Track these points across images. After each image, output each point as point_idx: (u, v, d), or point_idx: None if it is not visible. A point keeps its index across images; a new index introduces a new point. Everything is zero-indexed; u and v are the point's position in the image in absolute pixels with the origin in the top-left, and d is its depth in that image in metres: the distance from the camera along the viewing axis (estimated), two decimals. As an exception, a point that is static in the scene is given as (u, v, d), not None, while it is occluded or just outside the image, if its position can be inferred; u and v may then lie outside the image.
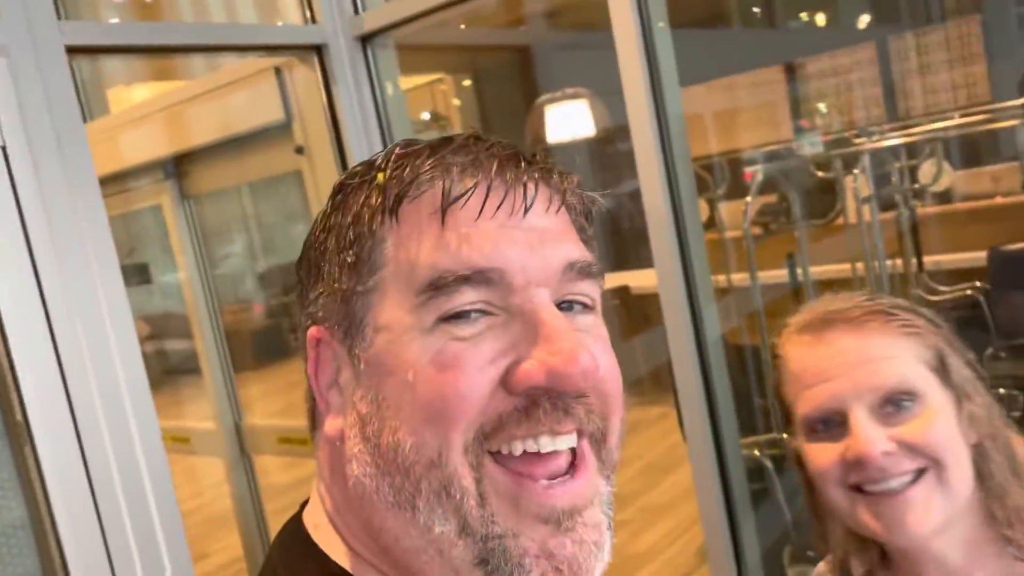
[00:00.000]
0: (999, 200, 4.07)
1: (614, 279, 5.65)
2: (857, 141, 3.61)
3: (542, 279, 0.54)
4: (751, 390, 3.33)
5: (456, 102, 6.55)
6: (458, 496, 0.51)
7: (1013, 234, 3.53)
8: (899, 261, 3.78)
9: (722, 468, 1.88)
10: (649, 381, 5.24)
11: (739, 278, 4.02)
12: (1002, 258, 3.40)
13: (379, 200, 0.55)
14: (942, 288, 3.54)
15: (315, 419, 0.61)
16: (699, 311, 1.95)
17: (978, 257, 3.55)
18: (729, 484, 1.89)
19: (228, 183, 2.72)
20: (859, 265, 3.57)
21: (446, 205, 0.53)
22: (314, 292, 0.58)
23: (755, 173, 4.65)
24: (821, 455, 0.86)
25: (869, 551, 0.92)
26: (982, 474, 0.85)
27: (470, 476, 0.51)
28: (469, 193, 0.53)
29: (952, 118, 3.98)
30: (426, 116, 6.04)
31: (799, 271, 3.43)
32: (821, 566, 0.99)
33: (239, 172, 2.57)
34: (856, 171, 3.50)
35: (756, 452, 2.73)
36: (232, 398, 2.78)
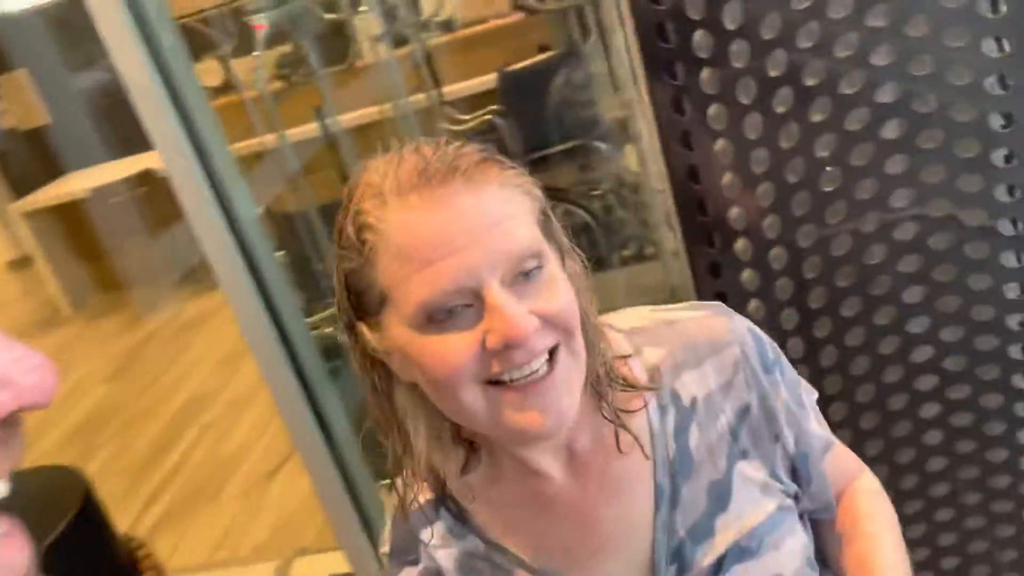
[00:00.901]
0: (495, 23, 4.29)
1: (135, 164, 5.03)
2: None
3: None
4: (312, 261, 3.19)
5: None
6: None
7: (513, 54, 3.76)
8: (422, 96, 3.83)
9: (291, 355, 1.72)
10: (203, 268, 4.85)
11: (273, 139, 3.77)
12: (507, 79, 3.62)
13: None
14: (463, 117, 3.67)
15: None
16: (223, 187, 1.70)
17: (489, 80, 3.73)
18: (303, 368, 1.75)
19: None
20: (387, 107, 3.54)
21: None
22: None
23: (262, 23, 4.30)
24: (449, 349, 0.67)
25: (461, 451, 0.80)
26: (582, 332, 0.74)
27: None
28: None
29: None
30: None
31: (328, 122, 3.29)
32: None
33: None
34: (363, 8, 3.38)
35: (331, 329, 2.58)
36: None
